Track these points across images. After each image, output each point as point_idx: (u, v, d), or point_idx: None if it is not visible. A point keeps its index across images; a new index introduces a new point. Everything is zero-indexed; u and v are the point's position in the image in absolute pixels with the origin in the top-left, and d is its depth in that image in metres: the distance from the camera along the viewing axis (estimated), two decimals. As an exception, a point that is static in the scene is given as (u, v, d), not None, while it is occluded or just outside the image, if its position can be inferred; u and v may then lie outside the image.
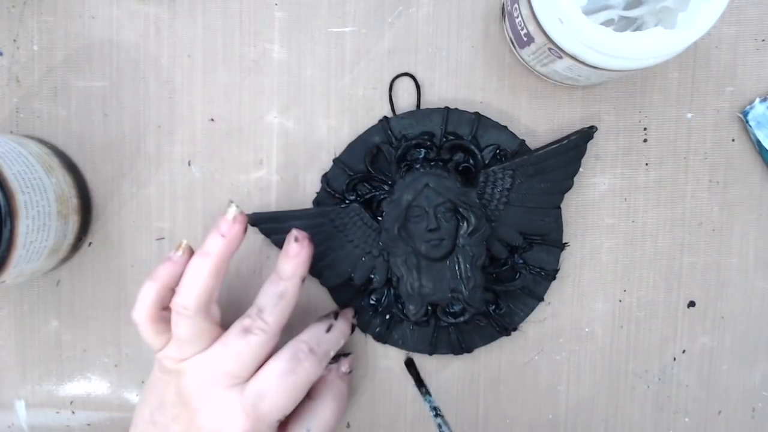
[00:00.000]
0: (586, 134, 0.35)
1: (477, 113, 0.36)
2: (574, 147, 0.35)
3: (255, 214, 0.35)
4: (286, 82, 0.37)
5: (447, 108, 0.36)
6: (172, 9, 0.37)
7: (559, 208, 0.36)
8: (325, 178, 0.37)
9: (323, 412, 0.34)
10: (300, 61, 0.37)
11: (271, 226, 0.35)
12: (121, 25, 0.37)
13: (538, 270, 0.36)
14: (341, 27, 0.37)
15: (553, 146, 0.34)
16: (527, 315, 0.37)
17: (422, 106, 0.37)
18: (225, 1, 0.37)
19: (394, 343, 0.37)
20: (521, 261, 0.36)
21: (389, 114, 0.37)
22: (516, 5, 0.31)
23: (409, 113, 0.36)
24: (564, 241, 0.37)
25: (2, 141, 0.33)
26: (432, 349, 0.37)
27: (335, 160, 0.37)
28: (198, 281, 0.30)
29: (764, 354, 0.38)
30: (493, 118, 0.36)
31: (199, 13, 0.37)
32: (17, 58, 0.37)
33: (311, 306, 0.38)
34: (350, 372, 0.37)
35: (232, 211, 0.31)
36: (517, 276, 0.36)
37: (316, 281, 0.37)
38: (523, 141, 0.36)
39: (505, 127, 0.36)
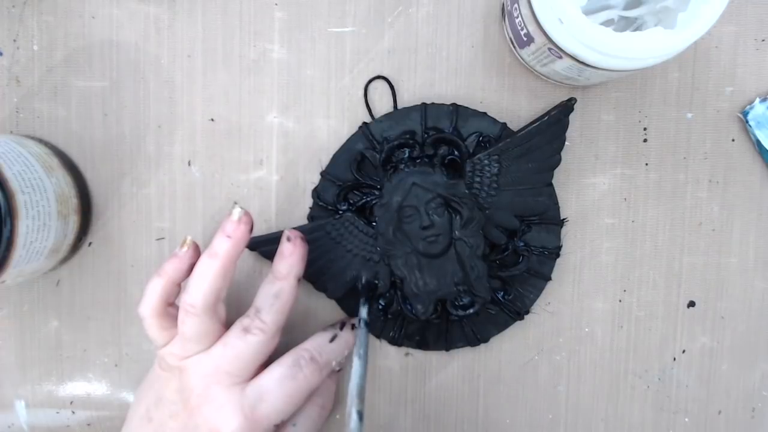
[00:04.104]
0: (566, 107, 0.34)
1: (454, 104, 0.36)
2: (555, 122, 0.34)
3: (252, 238, 0.34)
4: (286, 82, 0.37)
5: (424, 104, 0.36)
6: (172, 9, 0.37)
7: (551, 185, 0.36)
8: (316, 192, 0.37)
9: (310, 408, 0.35)
10: (300, 61, 0.37)
11: (270, 248, 0.35)
12: (121, 25, 0.37)
13: (541, 250, 0.36)
14: (341, 27, 0.37)
15: (535, 124, 0.34)
16: (537, 296, 0.37)
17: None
18: (225, 1, 0.37)
19: (410, 345, 0.37)
20: (522, 244, 0.36)
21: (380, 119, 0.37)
22: (516, 5, 0.31)
23: (387, 115, 0.36)
24: (562, 218, 0.37)
25: (2, 141, 0.33)
26: (448, 345, 0.37)
27: (322, 173, 0.37)
28: (206, 281, 0.31)
29: (764, 354, 0.38)
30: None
31: (199, 13, 0.37)
32: (17, 58, 0.37)
33: (319, 315, 0.38)
34: (340, 370, 0.37)
35: (237, 212, 0.31)
36: (521, 259, 0.36)
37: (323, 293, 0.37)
38: (505, 124, 0.36)
39: (485, 113, 0.36)
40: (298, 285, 0.33)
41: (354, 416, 0.30)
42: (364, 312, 0.35)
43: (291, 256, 0.32)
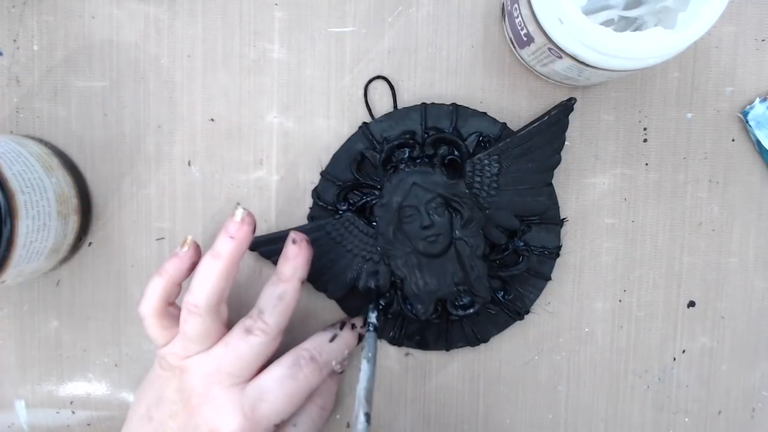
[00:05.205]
0: (566, 107, 0.34)
1: (454, 104, 0.36)
2: (555, 122, 0.34)
3: (253, 238, 0.35)
4: (286, 82, 0.37)
5: (423, 104, 0.36)
6: (172, 9, 0.37)
7: (551, 185, 0.36)
8: (315, 193, 0.37)
9: (311, 408, 0.35)
10: (300, 61, 0.37)
11: (270, 248, 0.35)
12: (121, 25, 0.37)
13: (541, 250, 0.36)
14: (341, 27, 0.37)
15: (535, 124, 0.34)
16: (537, 296, 0.37)
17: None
18: (225, 1, 0.37)
19: (410, 345, 0.37)
20: (522, 243, 0.36)
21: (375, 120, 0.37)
22: (516, 5, 0.31)
23: (387, 115, 0.36)
24: (562, 218, 0.37)
25: (2, 141, 0.33)
26: (448, 345, 0.37)
27: (322, 173, 0.37)
28: (209, 281, 0.31)
29: (764, 354, 0.38)
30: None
31: (199, 13, 0.37)
32: (17, 58, 0.37)
33: (319, 315, 0.38)
34: (342, 372, 0.37)
35: (240, 213, 0.31)
36: (521, 259, 0.36)
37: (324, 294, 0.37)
38: (505, 124, 0.36)
39: (485, 113, 0.36)
40: (301, 287, 0.33)
41: (361, 418, 0.31)
42: (373, 317, 0.35)
43: (296, 259, 0.32)
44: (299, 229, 0.35)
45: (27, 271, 0.33)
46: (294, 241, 0.32)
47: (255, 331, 0.32)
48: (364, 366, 0.32)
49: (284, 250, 0.33)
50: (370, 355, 0.33)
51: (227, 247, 0.31)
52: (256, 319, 0.32)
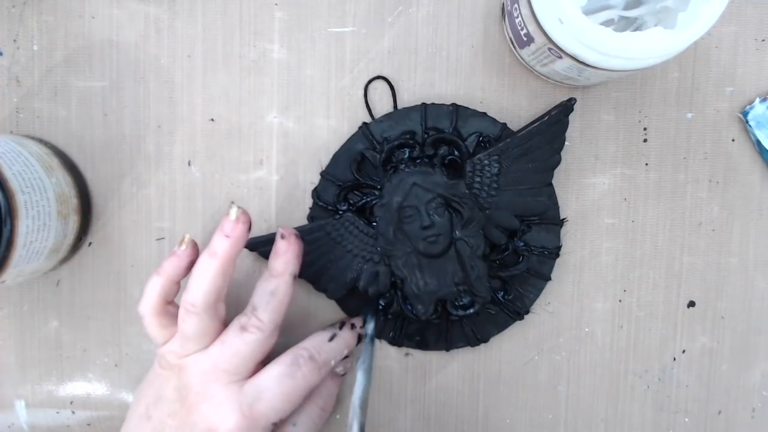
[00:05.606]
0: (566, 107, 0.34)
1: (454, 104, 0.36)
2: (556, 122, 0.34)
3: (252, 239, 0.34)
4: (286, 82, 0.37)
5: (424, 104, 0.36)
6: (172, 9, 0.37)
7: (551, 185, 0.36)
8: (315, 193, 0.37)
9: (311, 408, 0.35)
10: (300, 61, 0.37)
11: (269, 248, 0.35)
12: (121, 25, 0.37)
13: (541, 250, 0.36)
14: (341, 27, 0.37)
15: (535, 124, 0.34)
16: (537, 296, 0.37)
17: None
18: (225, 1, 0.37)
19: (410, 345, 0.37)
20: (522, 244, 0.36)
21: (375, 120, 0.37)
22: (516, 5, 0.31)
23: (387, 115, 0.36)
24: (562, 218, 0.37)
25: (2, 141, 0.33)
26: (448, 345, 0.37)
27: (322, 173, 0.37)
28: (206, 280, 0.31)
29: (764, 354, 0.38)
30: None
31: (199, 13, 0.37)
32: (17, 58, 0.37)
33: (319, 316, 0.38)
34: (345, 374, 0.37)
35: (234, 211, 0.31)
36: (521, 259, 0.36)
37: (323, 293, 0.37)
38: (505, 124, 0.36)
39: (485, 113, 0.36)
40: (293, 282, 0.33)
41: (355, 428, 0.31)
42: (370, 327, 0.35)
43: (286, 254, 0.32)
44: (299, 229, 0.35)
45: (27, 271, 0.33)
46: (282, 236, 0.33)
47: (250, 328, 0.32)
48: (360, 376, 0.33)
49: (274, 246, 0.33)
50: (365, 366, 0.33)
51: (223, 246, 0.31)
52: (250, 316, 0.32)
